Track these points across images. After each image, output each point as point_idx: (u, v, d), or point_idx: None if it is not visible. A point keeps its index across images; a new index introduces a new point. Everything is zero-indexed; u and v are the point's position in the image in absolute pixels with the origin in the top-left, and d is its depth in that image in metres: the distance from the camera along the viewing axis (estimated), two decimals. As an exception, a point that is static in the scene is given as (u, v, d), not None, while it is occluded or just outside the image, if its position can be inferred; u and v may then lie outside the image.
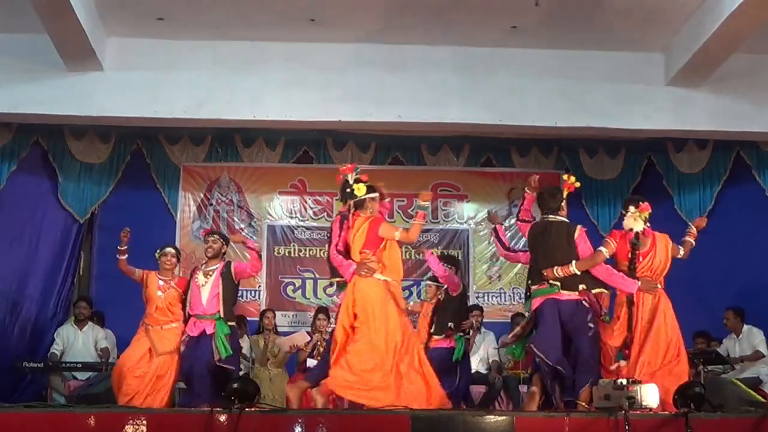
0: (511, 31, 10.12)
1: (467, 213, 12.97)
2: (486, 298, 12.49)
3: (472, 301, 12.18)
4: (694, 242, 7.90)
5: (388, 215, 12.70)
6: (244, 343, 10.75)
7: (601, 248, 7.41)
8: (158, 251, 8.81)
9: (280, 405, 8.77)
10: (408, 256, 12.71)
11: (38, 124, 11.19)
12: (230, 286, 8.56)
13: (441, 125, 10.81)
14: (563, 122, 10.51)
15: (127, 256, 8.72)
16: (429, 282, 9.55)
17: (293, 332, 10.86)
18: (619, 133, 11.20)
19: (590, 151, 12.69)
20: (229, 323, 8.45)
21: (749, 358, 9.93)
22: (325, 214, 12.83)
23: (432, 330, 9.03)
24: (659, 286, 7.55)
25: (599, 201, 12.63)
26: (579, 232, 7.50)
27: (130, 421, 6.01)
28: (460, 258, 12.43)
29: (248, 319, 11.46)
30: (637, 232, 7.48)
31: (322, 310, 10.67)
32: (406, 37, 10.26)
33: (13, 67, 10.11)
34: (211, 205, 12.74)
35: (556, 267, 7.29)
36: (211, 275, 8.51)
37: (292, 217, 12.83)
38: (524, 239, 8.18)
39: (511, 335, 7.97)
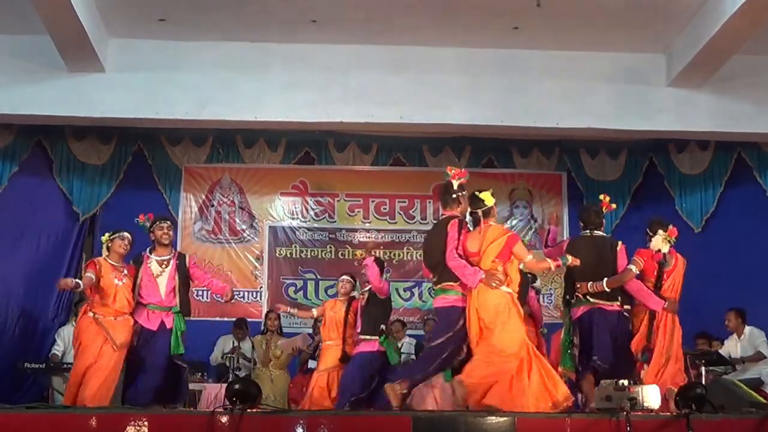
0: (512, 32, 10.12)
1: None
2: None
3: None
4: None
5: (389, 216, 12.81)
6: (246, 344, 10.78)
7: (631, 266, 7.80)
8: (110, 234, 8.33)
9: (281, 406, 8.78)
10: (410, 257, 12.74)
11: (40, 125, 11.21)
12: (186, 280, 8.37)
13: (442, 126, 10.81)
14: (565, 123, 10.51)
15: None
16: (346, 276, 9.50)
17: (294, 334, 10.85)
18: (621, 134, 11.20)
19: (591, 152, 12.69)
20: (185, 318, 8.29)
21: (751, 359, 9.93)
22: (326, 215, 12.85)
23: (360, 330, 8.90)
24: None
25: (600, 202, 12.60)
26: (620, 246, 7.93)
27: (132, 422, 6.01)
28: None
29: (249, 320, 11.48)
30: (664, 254, 7.97)
31: None
32: (407, 37, 10.25)
33: (14, 68, 10.12)
34: (213, 206, 12.75)
35: (590, 282, 7.69)
36: (166, 265, 8.28)
37: (293, 218, 12.84)
38: None
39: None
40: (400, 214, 12.91)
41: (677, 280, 7.99)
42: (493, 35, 10.21)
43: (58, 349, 10.61)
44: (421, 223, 12.87)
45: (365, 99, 10.37)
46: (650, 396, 6.28)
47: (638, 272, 7.85)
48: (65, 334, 10.69)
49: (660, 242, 8.01)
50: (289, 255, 12.70)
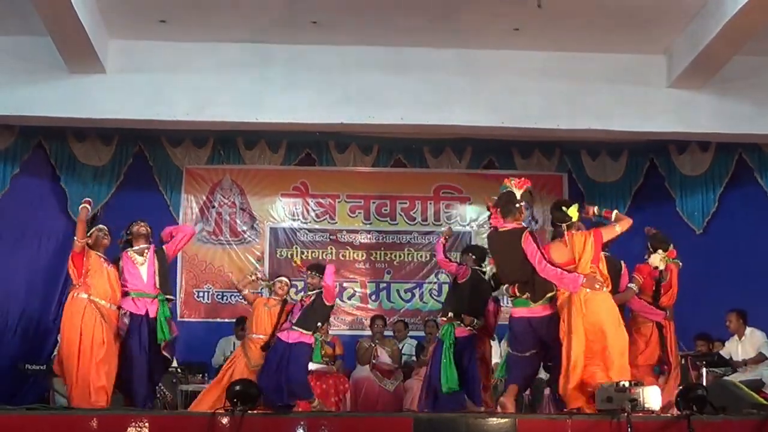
0: (513, 33, 10.12)
1: (469, 215, 12.97)
2: (488, 300, 12.47)
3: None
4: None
5: (390, 218, 12.82)
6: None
7: (631, 285, 8.26)
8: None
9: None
10: (411, 259, 12.74)
11: (40, 127, 11.21)
12: (166, 265, 8.54)
13: (443, 127, 10.81)
14: (565, 124, 10.51)
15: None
16: (284, 278, 9.48)
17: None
18: (622, 135, 11.19)
19: (592, 153, 12.69)
20: (169, 301, 8.47)
21: (753, 360, 9.92)
22: (327, 216, 12.84)
23: (296, 322, 8.89)
24: None
25: (601, 203, 12.57)
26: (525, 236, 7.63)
27: (133, 424, 6.03)
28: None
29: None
30: (661, 270, 8.35)
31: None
32: (408, 39, 10.25)
33: (15, 70, 10.12)
34: (214, 207, 12.75)
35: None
36: (145, 254, 8.44)
37: (294, 220, 12.83)
38: None
39: None
40: (401, 215, 12.90)
41: (673, 289, 8.38)
42: (494, 36, 10.21)
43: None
44: (421, 224, 12.87)
45: (366, 100, 10.37)
46: (651, 397, 6.28)
47: (638, 290, 8.25)
48: (66, 336, 10.69)
49: (658, 260, 8.34)
50: (289, 256, 12.69)
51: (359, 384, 10.54)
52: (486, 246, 8.74)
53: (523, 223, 7.64)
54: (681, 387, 7.18)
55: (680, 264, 8.56)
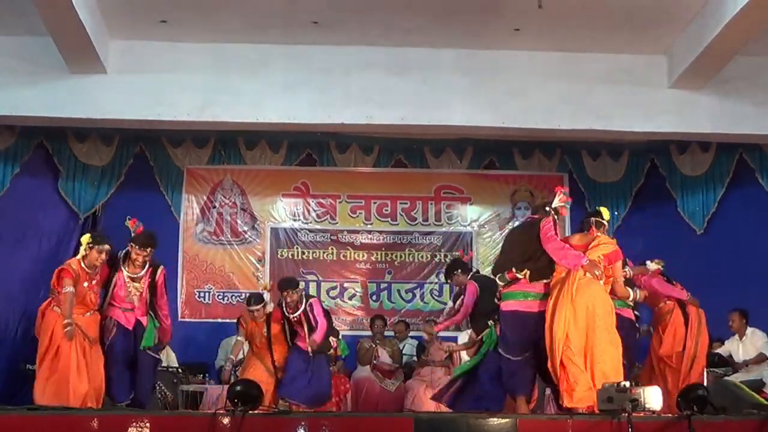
0: (514, 34, 10.12)
1: (470, 216, 12.97)
2: (489, 300, 12.47)
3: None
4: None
5: (390, 218, 12.81)
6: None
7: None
8: (90, 240, 8.21)
9: (283, 407, 8.77)
10: (411, 259, 12.75)
11: (41, 127, 11.21)
12: (154, 291, 8.46)
13: (444, 128, 10.81)
14: (566, 124, 10.51)
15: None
16: (255, 307, 9.39)
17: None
18: (622, 136, 11.20)
19: (593, 153, 12.69)
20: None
21: (754, 360, 9.92)
22: (328, 216, 12.84)
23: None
24: None
25: (602, 203, 12.59)
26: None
27: (133, 424, 6.02)
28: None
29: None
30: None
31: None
32: (409, 39, 10.26)
33: (16, 70, 10.12)
34: (215, 207, 12.75)
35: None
36: (142, 282, 8.34)
37: (295, 220, 12.84)
38: None
39: None
40: (401, 215, 12.91)
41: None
42: (495, 37, 10.21)
43: (59, 351, 10.60)
44: (422, 224, 12.88)
45: (366, 100, 10.37)
46: (652, 397, 6.28)
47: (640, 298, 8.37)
48: (67, 336, 10.69)
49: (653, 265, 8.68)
50: (290, 256, 12.70)
51: (360, 384, 10.55)
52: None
53: None
54: (682, 387, 7.16)
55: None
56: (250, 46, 10.41)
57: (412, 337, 11.60)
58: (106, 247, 8.21)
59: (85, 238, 8.29)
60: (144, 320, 8.31)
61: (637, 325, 8.39)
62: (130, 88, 10.24)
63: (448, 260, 12.49)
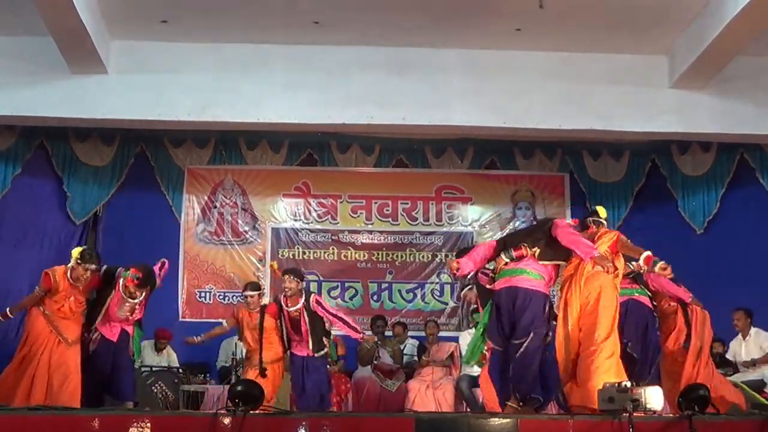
0: (515, 34, 10.12)
1: (471, 216, 12.97)
2: (490, 300, 12.46)
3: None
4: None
5: (391, 218, 12.81)
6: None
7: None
8: (80, 256, 8.19)
9: (284, 408, 8.77)
10: (412, 259, 12.74)
11: (42, 127, 11.23)
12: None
13: (445, 128, 10.81)
14: (567, 125, 10.51)
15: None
16: (250, 292, 9.25)
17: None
18: (623, 136, 11.20)
19: (594, 153, 12.70)
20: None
21: (762, 360, 9.90)
22: (329, 216, 12.84)
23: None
24: None
25: (603, 203, 12.57)
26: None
27: (134, 424, 6.01)
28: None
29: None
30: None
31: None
32: (410, 39, 10.26)
33: (17, 70, 10.13)
34: (215, 207, 12.75)
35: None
36: (138, 300, 8.41)
37: (296, 220, 12.84)
38: None
39: None
40: (402, 215, 12.91)
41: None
42: (496, 37, 10.21)
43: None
44: (423, 224, 12.88)
45: (367, 100, 10.37)
46: (653, 397, 6.27)
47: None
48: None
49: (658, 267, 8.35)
50: (291, 256, 12.69)
51: (361, 384, 10.54)
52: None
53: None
54: (683, 387, 7.15)
55: None
56: (250, 46, 10.42)
57: (412, 337, 11.59)
58: (93, 266, 8.25)
59: (75, 252, 8.31)
60: (130, 330, 8.44)
61: (654, 314, 8.45)
62: (131, 88, 10.25)
63: (448, 260, 12.52)
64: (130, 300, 8.33)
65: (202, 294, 12.44)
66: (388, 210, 12.93)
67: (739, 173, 11.58)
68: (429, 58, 10.47)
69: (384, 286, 12.70)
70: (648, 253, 7.20)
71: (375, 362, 10.66)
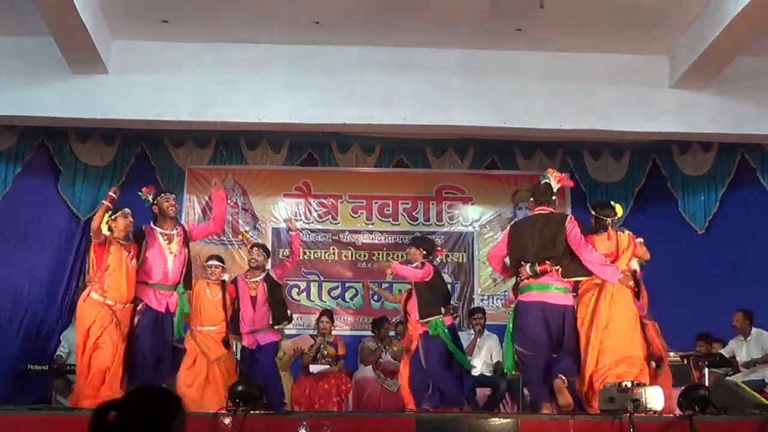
0: (515, 34, 10.12)
1: (472, 216, 12.97)
2: (491, 300, 12.47)
3: (476, 303, 12.22)
4: None
5: (392, 218, 12.80)
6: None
7: None
8: (111, 214, 7.80)
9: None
10: (413, 259, 12.73)
11: (43, 127, 11.23)
12: (188, 253, 8.16)
13: (446, 128, 10.81)
14: (568, 125, 10.51)
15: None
16: (214, 261, 9.29)
17: (297, 335, 10.86)
18: (624, 136, 11.21)
19: (595, 153, 12.70)
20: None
21: (762, 360, 9.90)
22: (329, 216, 12.83)
23: (419, 317, 8.76)
24: None
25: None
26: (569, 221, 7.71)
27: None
28: (463, 261, 12.58)
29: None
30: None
31: (326, 312, 10.65)
32: (410, 39, 10.26)
33: (17, 70, 10.13)
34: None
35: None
36: (171, 240, 8.00)
37: (296, 220, 12.80)
38: None
39: None
40: (403, 215, 12.90)
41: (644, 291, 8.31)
42: (496, 37, 10.21)
43: (62, 351, 10.59)
44: (424, 224, 12.87)
45: (368, 100, 10.37)
46: (653, 397, 6.28)
47: None
48: (69, 336, 10.68)
49: (636, 264, 8.35)
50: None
51: (362, 384, 10.54)
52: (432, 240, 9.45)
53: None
54: (683, 387, 7.16)
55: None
56: (251, 46, 10.42)
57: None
58: (128, 210, 7.95)
59: (105, 217, 7.78)
60: (172, 304, 7.89)
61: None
62: (132, 88, 10.25)
63: (449, 260, 12.54)
64: (166, 243, 7.96)
65: (203, 294, 12.44)
66: (388, 210, 12.93)
67: (739, 173, 11.59)
68: (429, 58, 10.47)
69: (384, 286, 12.67)
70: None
71: (379, 361, 10.67)
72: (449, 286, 12.26)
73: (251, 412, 6.20)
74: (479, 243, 12.75)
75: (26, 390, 10.66)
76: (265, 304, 8.95)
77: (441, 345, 8.49)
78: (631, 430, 5.94)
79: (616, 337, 7.18)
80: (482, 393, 10.37)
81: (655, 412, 6.32)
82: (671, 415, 6.60)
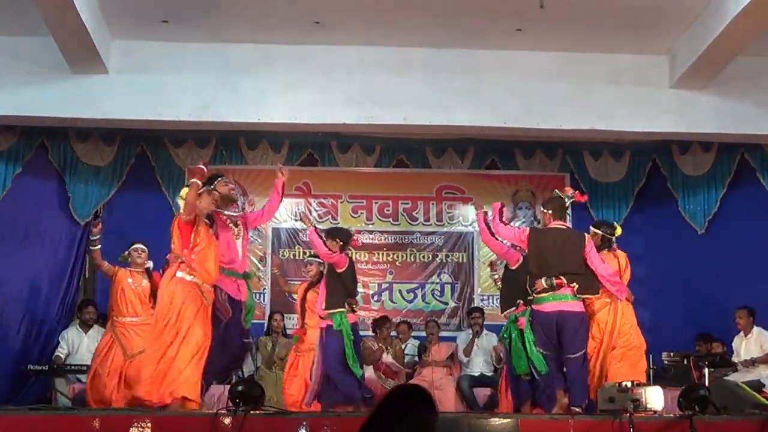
0: (515, 34, 10.11)
1: (472, 216, 12.92)
2: (490, 300, 12.46)
3: (476, 303, 12.23)
4: None
5: (392, 218, 12.81)
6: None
7: None
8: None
9: (284, 407, 8.77)
10: (413, 259, 12.75)
11: (43, 127, 11.22)
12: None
13: (446, 128, 10.81)
14: (568, 124, 10.51)
15: (99, 247, 8.73)
16: (311, 259, 9.54)
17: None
18: (624, 136, 11.20)
19: (595, 153, 12.69)
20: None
21: (761, 359, 9.90)
22: (329, 216, 12.82)
23: (324, 306, 8.65)
24: None
25: (604, 204, 12.62)
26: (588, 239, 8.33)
27: (135, 424, 6.03)
28: (463, 261, 12.57)
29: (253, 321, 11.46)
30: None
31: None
32: (410, 39, 10.25)
33: (17, 70, 10.13)
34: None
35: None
36: (239, 224, 7.79)
37: (296, 220, 12.82)
38: None
39: None
40: (403, 215, 12.90)
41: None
42: (496, 37, 10.21)
43: (62, 352, 10.58)
44: (424, 224, 12.88)
45: (368, 100, 10.36)
46: (653, 397, 6.29)
47: None
48: (69, 337, 10.68)
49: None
50: (292, 256, 12.69)
51: (362, 384, 10.54)
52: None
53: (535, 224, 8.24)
54: (683, 387, 7.18)
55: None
56: (251, 46, 10.41)
57: (413, 338, 11.60)
58: (139, 245, 8.19)
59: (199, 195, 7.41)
60: (243, 292, 7.70)
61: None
62: (132, 88, 10.24)
63: (449, 260, 12.55)
64: (233, 212, 7.83)
65: (202, 294, 12.43)
66: (388, 210, 12.93)
67: (739, 173, 11.57)
68: (430, 58, 10.47)
69: (384, 286, 12.70)
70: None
71: (381, 362, 10.68)
72: (449, 286, 12.30)
73: (251, 412, 6.20)
74: (479, 243, 12.73)
75: (26, 390, 10.67)
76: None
77: (341, 346, 8.43)
78: (631, 430, 5.95)
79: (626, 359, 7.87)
80: (482, 393, 10.37)
81: (655, 412, 6.33)
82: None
